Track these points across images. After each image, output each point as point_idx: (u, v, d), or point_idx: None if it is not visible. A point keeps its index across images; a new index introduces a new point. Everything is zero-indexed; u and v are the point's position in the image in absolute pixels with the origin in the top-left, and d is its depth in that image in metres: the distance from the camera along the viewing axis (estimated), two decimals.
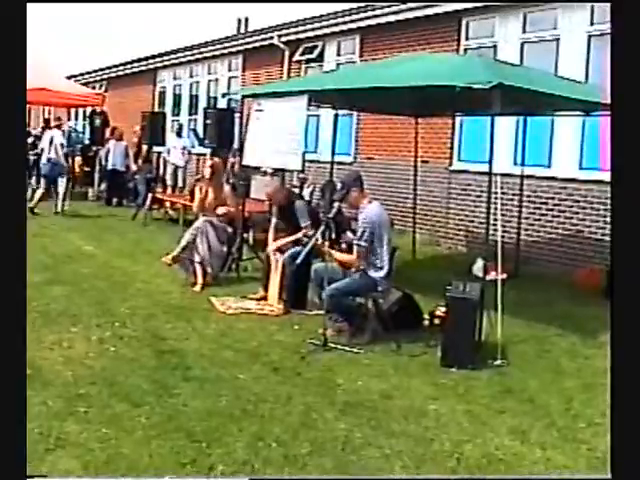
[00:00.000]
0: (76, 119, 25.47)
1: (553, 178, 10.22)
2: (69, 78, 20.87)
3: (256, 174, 11.45)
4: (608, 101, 6.17)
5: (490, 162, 5.96)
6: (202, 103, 19.48)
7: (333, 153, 9.98)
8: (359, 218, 6.13)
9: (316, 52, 15.04)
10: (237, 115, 11.13)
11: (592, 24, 9.84)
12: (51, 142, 13.42)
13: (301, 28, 15.10)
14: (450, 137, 11.94)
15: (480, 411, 4.65)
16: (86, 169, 17.25)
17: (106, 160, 15.96)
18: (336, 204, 6.21)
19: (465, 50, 11.70)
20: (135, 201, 14.75)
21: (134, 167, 15.75)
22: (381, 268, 6.04)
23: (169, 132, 15.24)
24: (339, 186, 6.30)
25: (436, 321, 6.41)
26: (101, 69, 25.45)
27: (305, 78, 14.34)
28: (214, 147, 11.72)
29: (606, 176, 9.03)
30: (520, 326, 6.66)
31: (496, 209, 6.04)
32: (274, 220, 7.67)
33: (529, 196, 10.14)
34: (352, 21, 13.61)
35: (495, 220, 6.08)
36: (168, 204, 13.74)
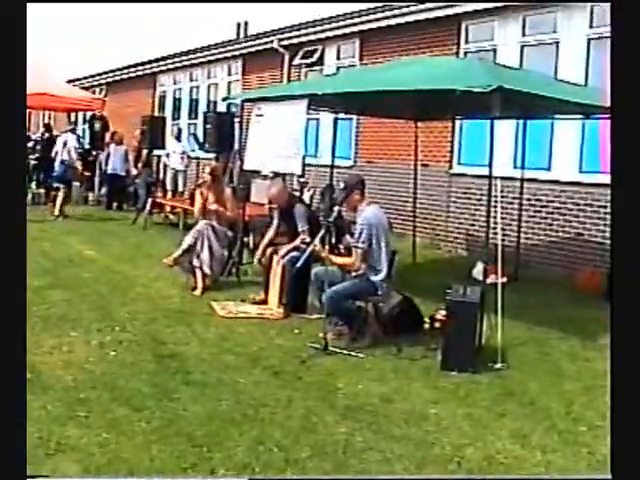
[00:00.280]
0: (76, 123, 25.47)
1: (553, 181, 10.22)
2: (69, 82, 20.89)
3: (256, 178, 11.45)
4: (608, 104, 6.20)
5: (490, 165, 5.96)
6: (202, 107, 19.51)
7: (333, 157, 9.98)
8: (357, 220, 6.14)
9: (316, 56, 15.06)
10: (237, 119, 11.15)
11: (591, 27, 9.85)
12: (64, 145, 13.85)
13: (301, 32, 15.12)
14: (450, 141, 11.94)
15: (481, 414, 4.65)
16: (86, 173, 17.24)
17: (106, 164, 15.99)
18: (336, 208, 6.21)
19: (465, 53, 11.71)
20: (135, 205, 14.77)
21: (134, 171, 15.77)
22: (380, 271, 6.04)
23: (169, 136, 15.25)
24: (341, 186, 6.31)
25: (436, 325, 6.40)
26: (101, 73, 25.47)
27: (305, 82, 14.35)
28: (217, 152, 11.73)
29: (606, 179, 9.03)
30: (520, 329, 6.66)
31: (496, 212, 6.04)
32: (275, 222, 7.66)
33: (529, 199, 10.14)
34: (352, 24, 13.62)
35: (495, 223, 6.08)
36: (168, 208, 13.75)
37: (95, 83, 25.95)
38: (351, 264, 6.16)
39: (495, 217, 6.07)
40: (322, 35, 14.57)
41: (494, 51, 11.28)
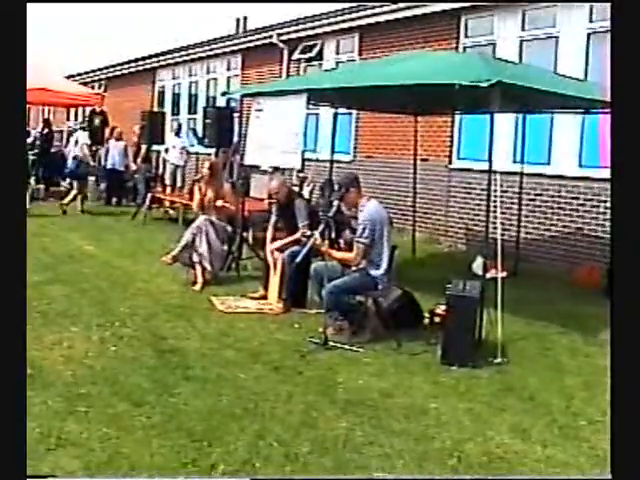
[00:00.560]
0: (75, 119, 25.45)
1: (553, 176, 10.21)
2: (68, 78, 20.86)
3: (256, 173, 11.45)
4: (607, 98, 6.19)
5: (490, 160, 5.96)
6: (201, 102, 19.49)
7: (332, 151, 9.97)
8: (359, 216, 6.13)
9: (315, 50, 15.05)
10: (236, 114, 11.14)
11: (591, 21, 9.84)
12: (76, 143, 14.35)
13: (300, 27, 15.10)
14: (449, 135, 11.94)
15: (481, 409, 4.65)
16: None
17: (105, 160, 15.96)
18: (335, 202, 6.21)
19: (464, 48, 11.70)
20: (135, 200, 14.76)
21: (133, 166, 15.74)
22: (380, 266, 6.04)
23: (168, 131, 15.23)
24: (336, 187, 6.32)
25: (436, 319, 6.40)
26: (100, 69, 25.45)
27: (304, 77, 14.33)
28: (217, 147, 11.73)
29: (606, 173, 9.03)
30: (520, 324, 6.66)
31: (496, 207, 6.04)
32: (274, 217, 7.66)
33: (529, 194, 10.13)
34: (351, 19, 13.60)
35: (495, 218, 6.08)
36: (167, 203, 13.75)
37: (94, 78, 25.93)
38: (351, 259, 6.16)
39: (495, 212, 6.07)
40: (321, 30, 14.55)
41: (493, 46, 11.26)
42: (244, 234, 9.10)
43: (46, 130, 18.57)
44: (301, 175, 11.79)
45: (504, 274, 5.99)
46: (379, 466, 3.78)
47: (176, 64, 20.91)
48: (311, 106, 9.91)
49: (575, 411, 4.71)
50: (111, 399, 4.47)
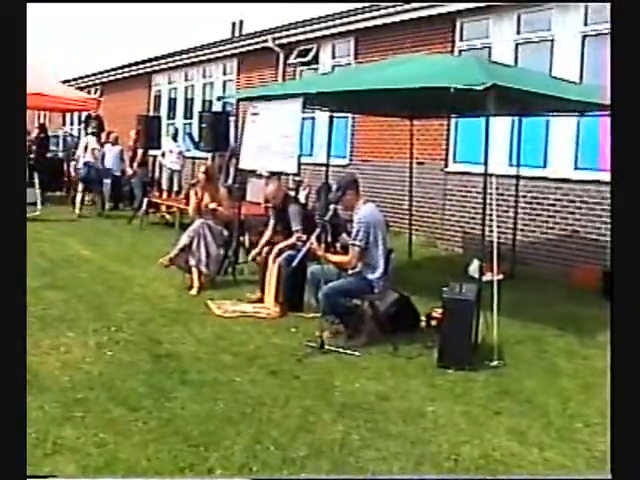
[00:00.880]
0: (71, 124, 25.45)
1: (548, 178, 10.24)
2: (64, 82, 20.85)
3: (252, 177, 11.44)
4: (604, 101, 6.21)
5: (485, 163, 5.96)
6: (197, 107, 19.50)
7: (329, 155, 9.98)
8: (354, 219, 6.14)
9: (311, 55, 15.07)
10: (232, 118, 11.13)
11: (586, 24, 9.88)
12: (86, 148, 14.77)
13: (296, 31, 15.12)
14: (445, 138, 11.96)
15: (477, 412, 4.65)
16: None
17: (102, 164, 15.93)
18: (332, 206, 6.21)
19: (460, 51, 11.73)
20: (131, 205, 14.74)
21: (130, 171, 15.72)
22: (377, 269, 6.04)
23: (164, 136, 15.22)
24: (335, 187, 6.33)
25: (433, 322, 6.41)
26: (96, 73, 25.45)
27: (300, 81, 14.35)
28: (213, 152, 11.73)
29: (602, 176, 9.06)
30: (517, 327, 6.67)
31: (492, 210, 6.05)
32: (272, 221, 7.67)
33: (525, 197, 10.16)
34: (347, 23, 13.63)
35: (491, 221, 6.09)
36: (164, 208, 13.73)
37: (90, 83, 25.93)
38: (347, 262, 6.16)
39: (491, 214, 6.08)
40: (317, 34, 14.58)
41: (489, 49, 11.29)
42: (241, 238, 9.10)
43: (42, 135, 18.55)
44: (297, 179, 11.79)
45: (500, 277, 6.01)
46: (376, 469, 3.78)
47: (172, 68, 20.92)
48: (307, 110, 9.91)
49: (572, 413, 4.71)
50: (108, 404, 4.47)
